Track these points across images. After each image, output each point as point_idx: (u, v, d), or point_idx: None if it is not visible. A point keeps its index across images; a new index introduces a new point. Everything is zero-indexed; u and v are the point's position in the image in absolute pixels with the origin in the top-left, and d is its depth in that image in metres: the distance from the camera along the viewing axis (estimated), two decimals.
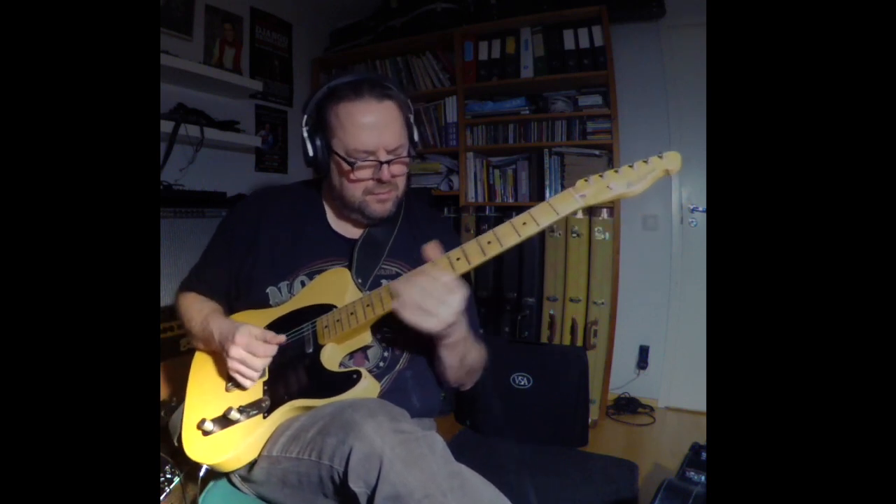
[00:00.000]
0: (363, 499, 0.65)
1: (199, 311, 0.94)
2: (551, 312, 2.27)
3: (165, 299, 1.47)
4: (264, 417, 0.80)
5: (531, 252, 2.27)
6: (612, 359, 2.23)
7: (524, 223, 0.76)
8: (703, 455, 1.67)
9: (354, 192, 0.91)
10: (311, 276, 0.93)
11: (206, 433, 0.81)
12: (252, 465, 0.81)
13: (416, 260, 0.89)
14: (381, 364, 0.91)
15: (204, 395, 0.88)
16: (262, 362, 0.82)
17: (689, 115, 2.29)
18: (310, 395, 0.80)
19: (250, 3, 2.37)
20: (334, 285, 0.89)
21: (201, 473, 0.84)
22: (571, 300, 2.24)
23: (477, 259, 0.77)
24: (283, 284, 0.93)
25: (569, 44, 2.26)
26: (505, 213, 2.38)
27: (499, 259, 0.93)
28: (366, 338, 0.88)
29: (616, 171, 0.75)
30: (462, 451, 0.86)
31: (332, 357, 0.85)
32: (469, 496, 0.63)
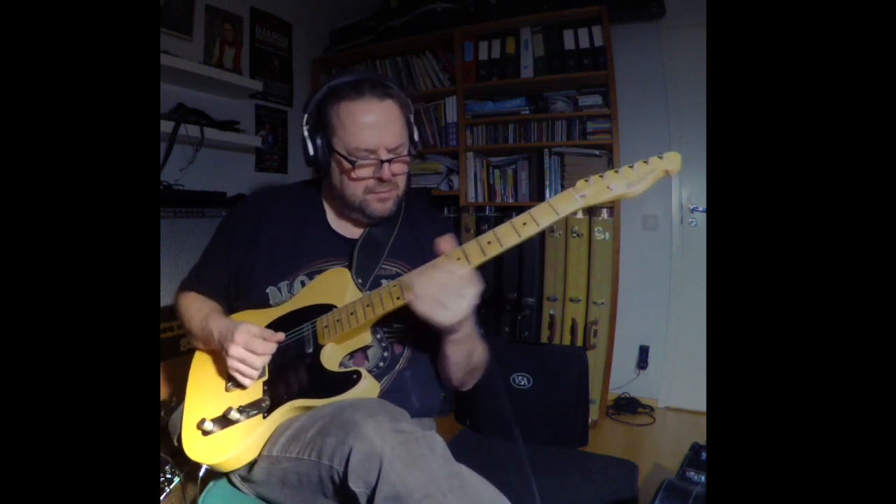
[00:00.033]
0: (363, 499, 0.65)
1: (198, 310, 0.94)
2: (551, 312, 2.27)
3: (165, 299, 1.47)
4: (264, 417, 0.80)
5: (531, 252, 2.27)
6: (612, 359, 2.23)
7: (524, 223, 0.76)
8: (703, 455, 1.67)
9: (355, 190, 0.91)
10: (311, 276, 0.93)
11: (205, 433, 0.81)
12: (252, 465, 0.81)
13: (416, 260, 0.89)
14: (381, 364, 0.91)
15: (204, 394, 0.88)
16: (262, 361, 0.82)
17: (689, 115, 2.29)
18: (310, 395, 0.80)
19: (250, 3, 2.37)
20: (334, 285, 0.89)
21: (201, 473, 0.84)
22: (571, 300, 2.24)
23: (477, 259, 0.77)
24: (283, 284, 0.93)
25: (569, 44, 2.26)
26: (505, 213, 2.38)
27: (499, 259, 0.93)
28: (366, 338, 0.88)
29: (616, 172, 0.75)
30: (462, 451, 0.86)
31: (332, 357, 0.85)
32: (469, 496, 0.63)
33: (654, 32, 2.35)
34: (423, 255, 0.92)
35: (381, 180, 0.89)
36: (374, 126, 0.87)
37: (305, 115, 0.93)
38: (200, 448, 0.80)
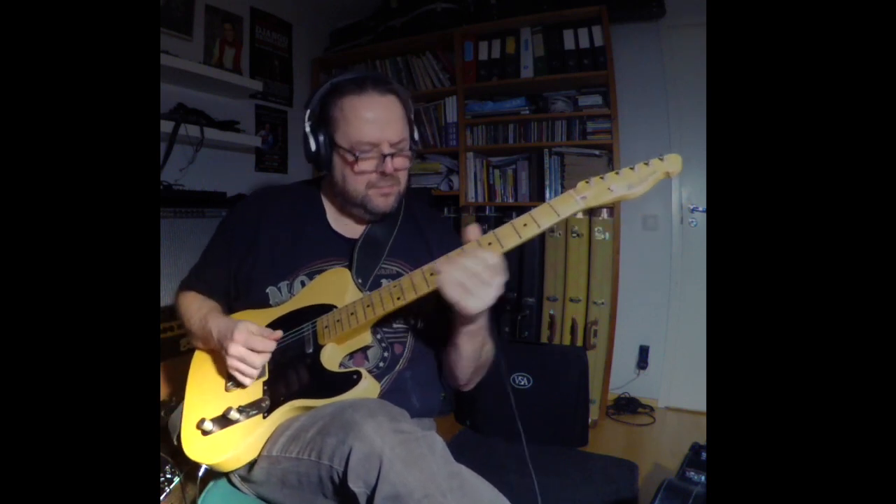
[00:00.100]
0: (363, 499, 0.65)
1: (198, 309, 0.94)
2: (551, 312, 2.27)
3: (165, 299, 1.47)
4: (264, 417, 0.80)
5: (531, 252, 2.27)
6: (612, 359, 2.23)
7: (525, 224, 0.76)
8: (703, 455, 1.67)
9: (357, 185, 0.91)
10: (311, 276, 0.93)
11: (205, 433, 0.81)
12: (252, 465, 0.81)
13: (416, 259, 0.89)
14: (381, 364, 0.91)
15: (203, 394, 0.88)
16: (262, 359, 0.82)
17: (689, 115, 2.29)
18: (310, 396, 0.80)
19: (250, 3, 2.37)
20: (334, 285, 0.89)
21: (200, 473, 0.83)
22: (571, 300, 2.24)
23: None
24: (283, 284, 0.93)
25: (569, 44, 2.26)
26: (505, 213, 2.38)
27: None
28: (366, 338, 0.88)
29: (617, 173, 0.75)
30: (462, 451, 0.87)
31: (332, 357, 0.85)
32: (469, 496, 0.63)
33: (654, 32, 2.35)
34: (423, 254, 0.92)
35: (383, 174, 0.90)
36: (376, 121, 0.88)
37: (308, 112, 0.93)
38: (200, 448, 0.80)
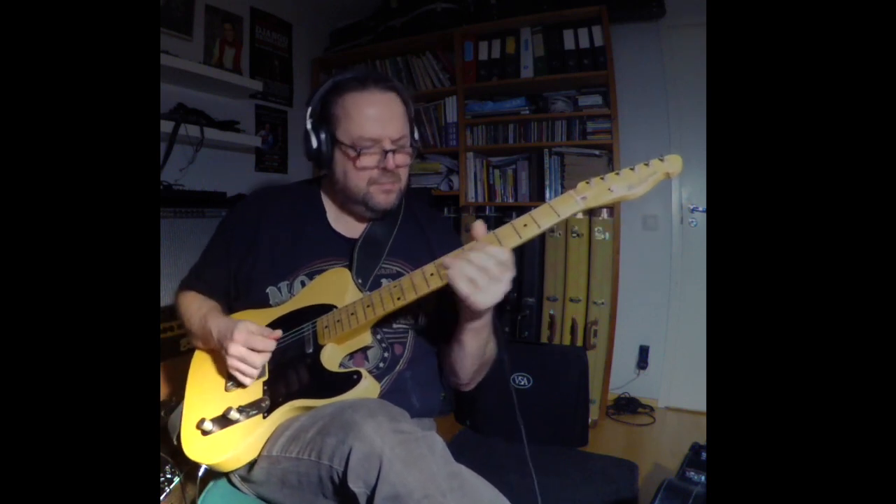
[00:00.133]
0: (363, 499, 0.65)
1: (198, 309, 0.94)
2: (551, 312, 2.27)
3: (165, 299, 1.47)
4: (264, 417, 0.80)
5: (531, 252, 2.27)
6: (612, 359, 2.23)
7: (525, 225, 0.76)
8: (703, 455, 1.67)
9: (359, 182, 0.91)
10: (311, 276, 0.93)
11: (205, 433, 0.81)
12: (252, 465, 0.81)
13: (416, 259, 0.89)
14: (381, 365, 0.91)
15: (203, 394, 0.88)
16: (262, 359, 0.82)
17: (689, 115, 2.29)
18: (310, 396, 0.80)
19: (250, 3, 2.37)
20: (334, 285, 0.89)
21: (200, 473, 0.83)
22: (571, 300, 2.24)
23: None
24: (283, 284, 0.93)
25: (569, 44, 2.26)
26: (505, 213, 2.38)
27: None
28: (366, 338, 0.88)
29: (617, 174, 0.75)
30: (462, 451, 0.87)
31: (332, 357, 0.85)
32: (468, 496, 0.63)
33: (654, 32, 2.35)
34: (423, 254, 0.92)
35: (385, 171, 0.90)
36: (378, 117, 0.88)
37: (309, 109, 0.93)
38: (200, 448, 0.80)
